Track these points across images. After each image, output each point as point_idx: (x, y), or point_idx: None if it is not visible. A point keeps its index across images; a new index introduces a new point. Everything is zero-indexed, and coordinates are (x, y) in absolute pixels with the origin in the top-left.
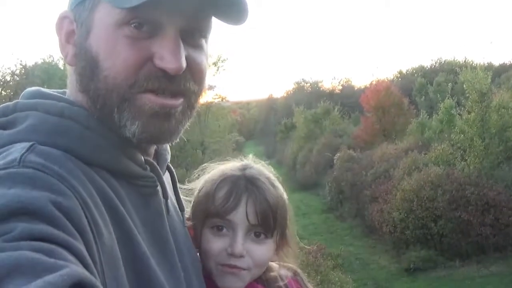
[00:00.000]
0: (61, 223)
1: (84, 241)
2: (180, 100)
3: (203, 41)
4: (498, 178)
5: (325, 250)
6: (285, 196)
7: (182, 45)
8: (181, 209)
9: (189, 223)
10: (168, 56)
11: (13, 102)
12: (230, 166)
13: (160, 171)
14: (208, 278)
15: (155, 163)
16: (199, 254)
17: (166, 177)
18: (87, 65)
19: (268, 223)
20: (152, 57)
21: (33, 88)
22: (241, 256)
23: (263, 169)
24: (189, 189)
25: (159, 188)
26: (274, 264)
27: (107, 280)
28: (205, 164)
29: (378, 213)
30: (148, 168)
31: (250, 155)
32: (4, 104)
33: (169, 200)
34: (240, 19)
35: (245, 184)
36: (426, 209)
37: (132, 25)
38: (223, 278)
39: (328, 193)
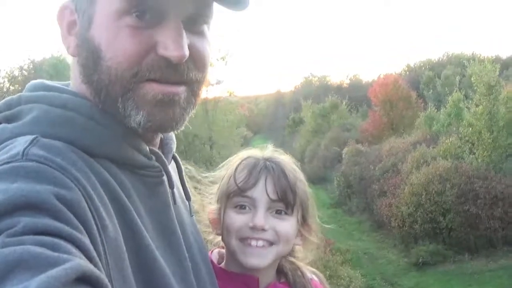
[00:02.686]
0: (65, 216)
1: (88, 233)
2: (183, 88)
3: (205, 27)
4: (506, 171)
5: (334, 245)
6: (304, 180)
7: (184, 33)
8: (188, 198)
9: (210, 209)
10: (171, 44)
11: (17, 95)
12: (251, 152)
13: (165, 160)
14: (216, 266)
15: (160, 153)
16: (221, 234)
17: (172, 167)
18: (89, 56)
19: (288, 198)
20: (155, 47)
21: (37, 80)
22: (263, 230)
23: (282, 155)
24: (214, 177)
25: (164, 177)
26: (301, 264)
27: (112, 272)
28: (230, 158)
29: (387, 208)
30: (153, 157)
31: (269, 145)
32: (8, 98)
33: (175, 190)
34: (242, 5)
35: (264, 163)
36: (435, 203)
37: (134, 14)
38: (246, 256)
39: (337, 188)
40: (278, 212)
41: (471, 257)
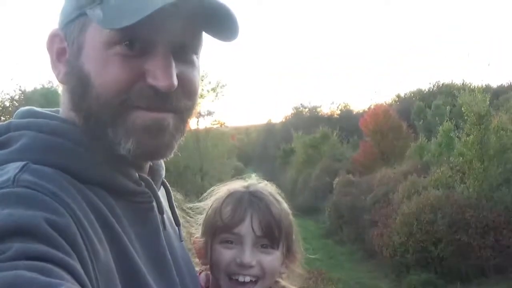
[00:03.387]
0: (56, 242)
1: (80, 259)
2: (171, 115)
3: (195, 57)
4: (497, 200)
5: (325, 275)
6: (288, 210)
7: (173, 62)
8: (177, 224)
9: (195, 239)
10: (160, 74)
11: (7, 122)
12: (235, 184)
13: (155, 186)
14: None
15: (150, 179)
16: (210, 268)
17: (161, 192)
18: (79, 84)
19: (273, 233)
20: (143, 75)
21: (26, 107)
22: (250, 266)
23: (266, 186)
24: (199, 209)
25: (154, 203)
26: (287, 284)
27: None
28: (213, 186)
29: (378, 237)
30: (143, 184)
31: (253, 175)
32: None
33: (165, 215)
34: (231, 35)
35: (249, 198)
36: (426, 232)
37: (123, 44)
38: None
39: (328, 218)
40: (264, 246)
41: (462, 286)
